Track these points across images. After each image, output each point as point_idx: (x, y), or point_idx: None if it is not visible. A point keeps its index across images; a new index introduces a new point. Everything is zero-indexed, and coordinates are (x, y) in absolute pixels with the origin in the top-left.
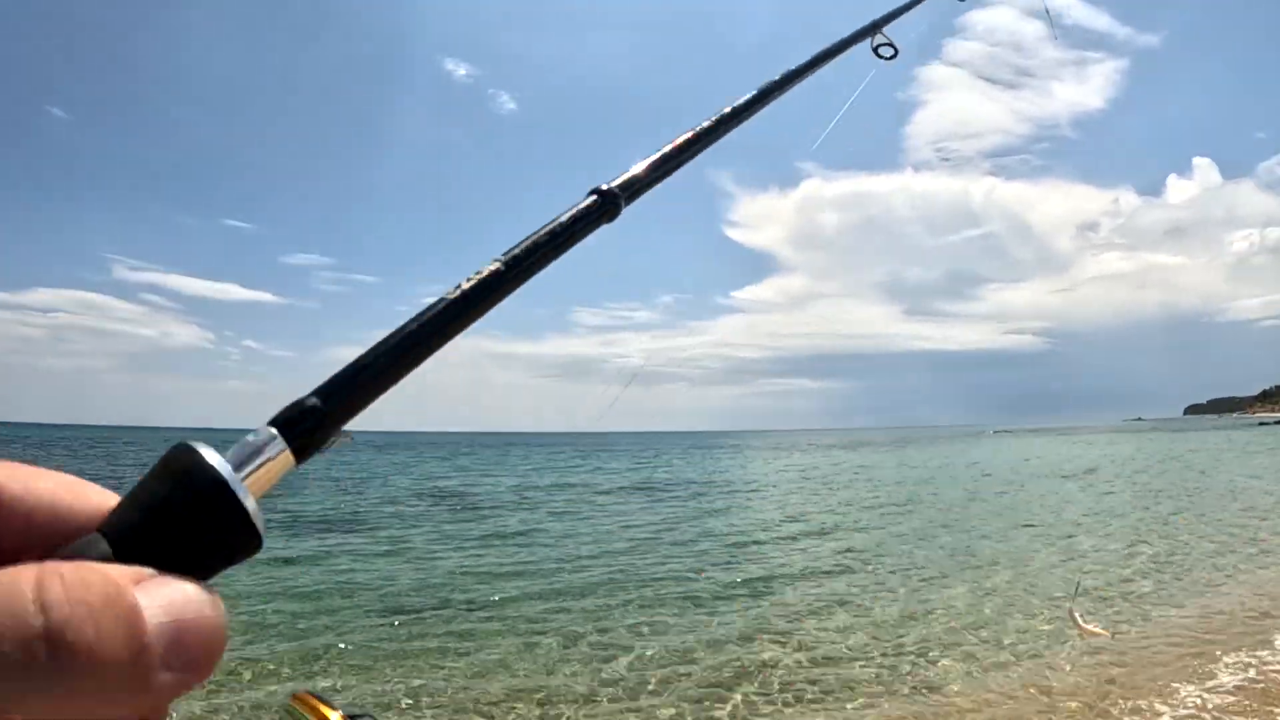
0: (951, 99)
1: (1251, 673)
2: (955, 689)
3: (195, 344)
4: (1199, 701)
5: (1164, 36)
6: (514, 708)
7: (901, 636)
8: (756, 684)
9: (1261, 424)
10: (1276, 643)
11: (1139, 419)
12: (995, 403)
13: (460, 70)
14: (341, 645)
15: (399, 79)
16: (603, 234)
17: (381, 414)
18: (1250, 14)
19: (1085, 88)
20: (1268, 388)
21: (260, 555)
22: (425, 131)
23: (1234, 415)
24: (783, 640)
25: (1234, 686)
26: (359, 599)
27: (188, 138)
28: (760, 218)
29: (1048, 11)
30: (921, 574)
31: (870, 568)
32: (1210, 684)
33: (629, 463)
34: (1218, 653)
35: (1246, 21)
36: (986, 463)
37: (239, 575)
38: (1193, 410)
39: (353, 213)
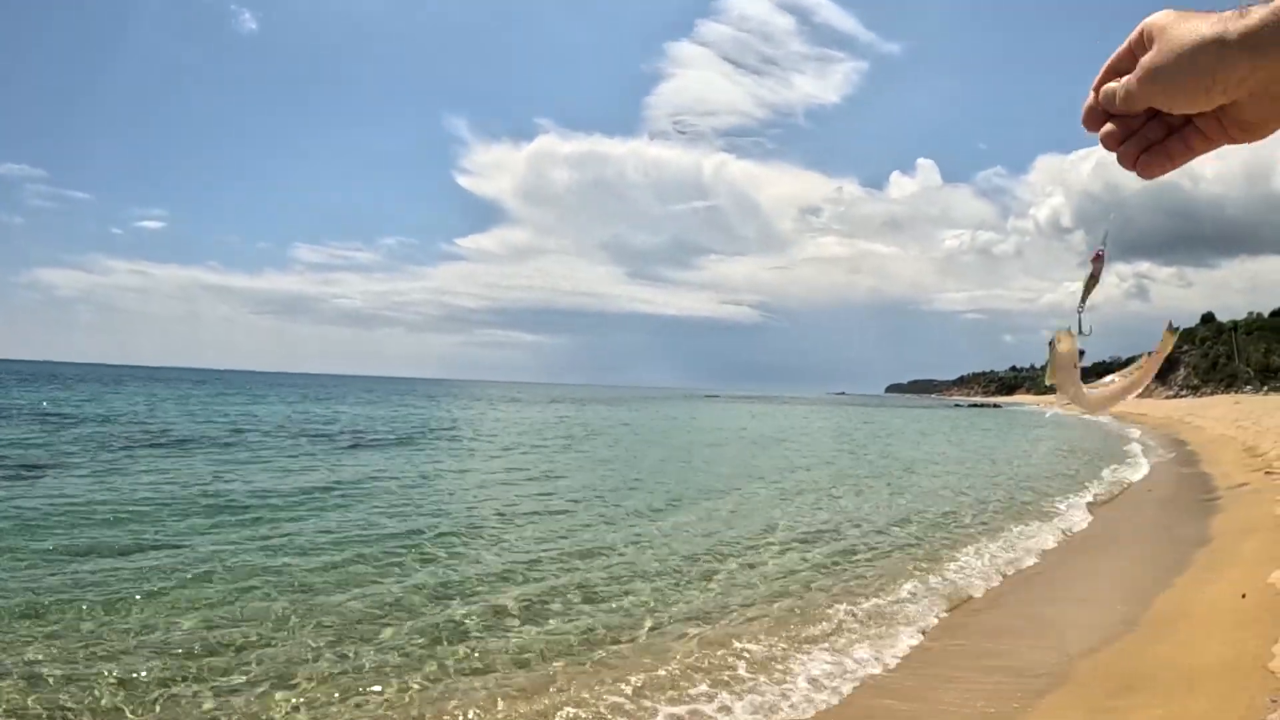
0: (696, 76)
1: None
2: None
3: None
4: None
5: (905, 46)
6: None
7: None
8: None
9: (956, 405)
10: None
11: (842, 393)
12: (708, 369)
13: None
14: None
15: None
16: (327, 170)
17: (72, 345)
18: (985, 37)
19: (824, 83)
20: (965, 374)
21: None
22: (160, 44)
23: (932, 396)
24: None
25: None
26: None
27: None
28: (492, 167)
29: None
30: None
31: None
32: None
33: (356, 407)
34: None
35: (980, 43)
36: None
37: None
38: (894, 389)
39: (71, 124)
